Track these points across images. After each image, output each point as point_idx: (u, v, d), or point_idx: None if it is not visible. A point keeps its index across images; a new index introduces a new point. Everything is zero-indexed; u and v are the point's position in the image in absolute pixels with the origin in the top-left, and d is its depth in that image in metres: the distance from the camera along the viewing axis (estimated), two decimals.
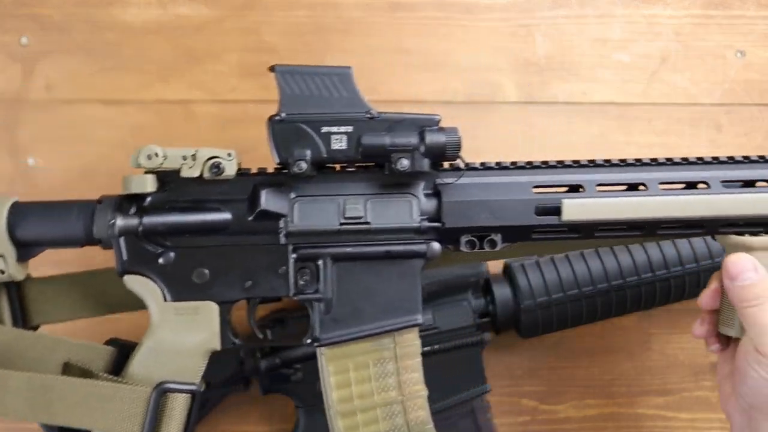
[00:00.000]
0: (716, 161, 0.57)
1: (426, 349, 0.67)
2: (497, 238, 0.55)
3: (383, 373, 0.55)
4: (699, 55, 0.77)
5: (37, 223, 0.55)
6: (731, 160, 0.57)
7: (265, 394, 0.69)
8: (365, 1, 0.76)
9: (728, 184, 0.56)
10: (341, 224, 0.54)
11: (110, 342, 0.60)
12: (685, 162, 0.57)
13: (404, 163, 0.53)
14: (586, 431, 0.75)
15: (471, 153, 0.73)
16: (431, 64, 0.76)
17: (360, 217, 0.54)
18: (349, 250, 0.54)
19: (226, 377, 0.69)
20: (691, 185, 0.56)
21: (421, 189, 0.55)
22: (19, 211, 0.55)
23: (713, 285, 0.57)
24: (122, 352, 0.57)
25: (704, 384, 0.75)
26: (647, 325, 0.76)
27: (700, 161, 0.57)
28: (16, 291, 0.59)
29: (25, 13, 0.75)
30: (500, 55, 0.76)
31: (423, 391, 0.56)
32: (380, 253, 0.54)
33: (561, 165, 0.57)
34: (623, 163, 0.57)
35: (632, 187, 0.56)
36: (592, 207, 0.54)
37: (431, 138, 0.53)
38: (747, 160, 0.57)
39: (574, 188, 0.56)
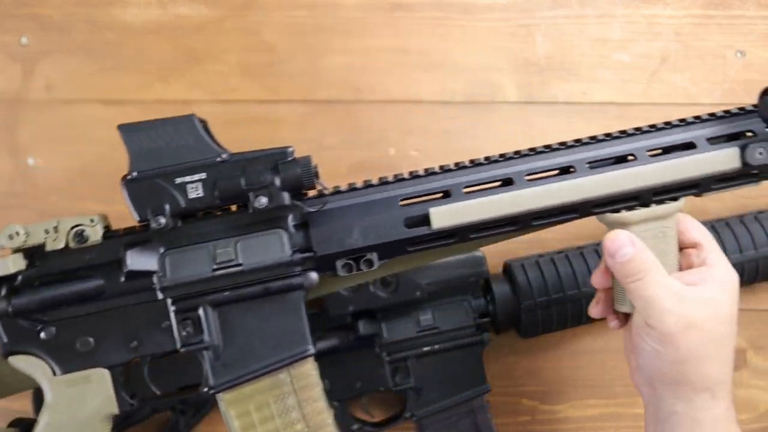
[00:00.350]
0: (579, 143, 0.56)
1: (426, 349, 0.67)
2: (373, 257, 0.54)
3: (285, 408, 0.54)
4: (699, 55, 0.77)
5: None
6: (593, 140, 0.56)
7: None
8: (365, 1, 0.76)
9: (596, 164, 0.55)
10: (214, 270, 0.53)
11: (14, 423, 0.59)
12: (549, 149, 0.56)
13: (262, 200, 0.53)
14: (586, 431, 0.75)
15: (471, 153, 0.73)
16: (430, 64, 0.76)
17: (232, 260, 0.53)
18: (227, 294, 0.54)
19: None
20: (560, 171, 0.56)
21: (289, 221, 0.54)
22: None
23: (603, 264, 0.57)
24: (27, 430, 0.56)
25: None
26: None
27: (563, 146, 0.56)
28: None
29: (25, 13, 0.75)
30: (500, 55, 0.76)
31: (329, 418, 0.55)
32: (258, 291, 0.54)
33: (427, 173, 0.56)
34: (487, 161, 0.56)
35: (501, 183, 0.56)
36: (461, 211, 0.54)
37: (285, 171, 0.53)
38: (609, 137, 0.56)
39: (444, 194, 0.55)
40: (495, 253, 0.74)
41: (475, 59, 0.76)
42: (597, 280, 0.57)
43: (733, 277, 0.54)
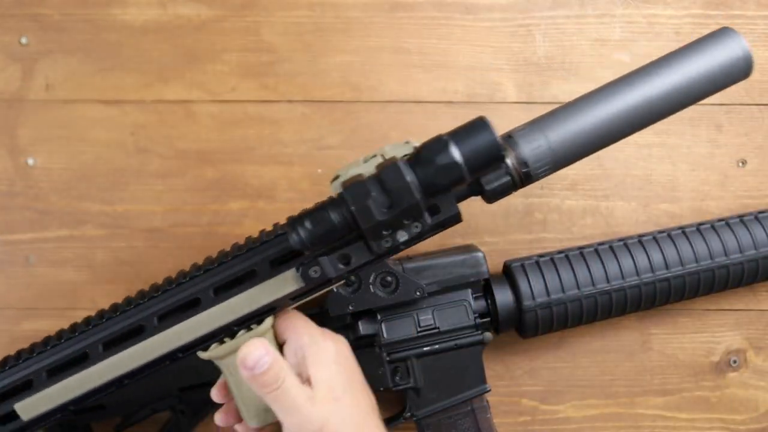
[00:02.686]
0: (153, 295, 0.57)
1: (426, 349, 0.67)
2: None
3: None
4: None
5: None
6: (165, 288, 0.57)
7: None
8: (365, 1, 0.76)
9: (165, 315, 0.56)
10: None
11: None
12: (126, 308, 0.57)
13: None
14: (586, 431, 0.75)
15: None
16: (431, 64, 0.76)
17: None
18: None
19: None
20: (132, 332, 0.57)
21: None
22: None
23: (222, 378, 0.57)
24: None
25: (704, 384, 0.76)
26: (647, 325, 0.76)
27: (139, 301, 0.57)
28: None
29: (25, 13, 0.75)
30: (500, 55, 0.76)
31: None
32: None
33: (8, 366, 0.58)
34: (65, 338, 0.57)
35: (77, 359, 0.57)
36: (46, 397, 0.56)
37: None
38: (180, 282, 0.57)
39: (29, 385, 0.57)
40: (495, 253, 0.74)
41: (476, 59, 0.76)
42: (216, 395, 0.57)
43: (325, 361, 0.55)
